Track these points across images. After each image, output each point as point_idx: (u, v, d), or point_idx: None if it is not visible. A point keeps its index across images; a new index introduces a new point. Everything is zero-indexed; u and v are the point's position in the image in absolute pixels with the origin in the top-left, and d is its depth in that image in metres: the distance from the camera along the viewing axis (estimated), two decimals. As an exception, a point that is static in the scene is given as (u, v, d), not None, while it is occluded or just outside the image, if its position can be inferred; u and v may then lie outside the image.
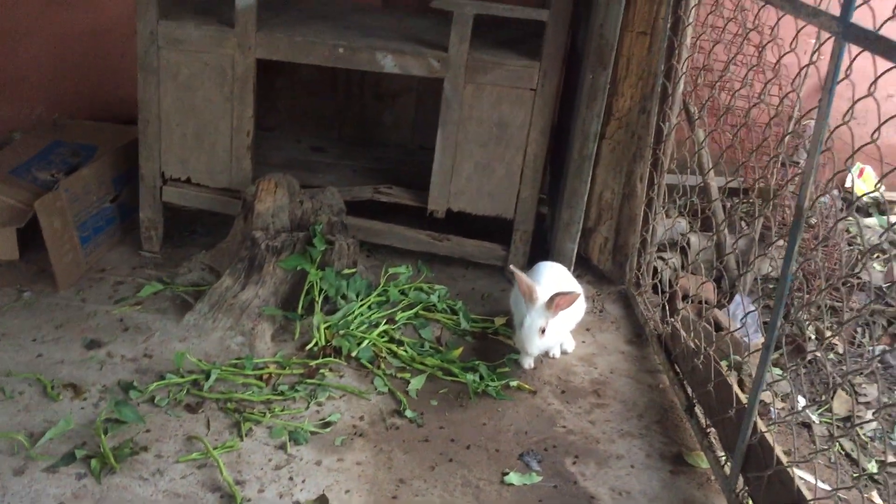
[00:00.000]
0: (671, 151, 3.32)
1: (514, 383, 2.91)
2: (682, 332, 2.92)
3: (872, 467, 2.71)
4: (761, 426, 2.28)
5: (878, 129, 1.76)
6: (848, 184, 4.25)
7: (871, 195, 4.08)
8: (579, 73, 3.27)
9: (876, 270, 3.87)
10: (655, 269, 3.52)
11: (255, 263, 3.06)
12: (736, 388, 2.45)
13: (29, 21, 4.01)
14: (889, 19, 1.78)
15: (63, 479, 2.33)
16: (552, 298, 2.78)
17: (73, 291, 3.21)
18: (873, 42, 1.75)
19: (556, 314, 2.82)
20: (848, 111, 1.89)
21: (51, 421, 2.53)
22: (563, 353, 3.13)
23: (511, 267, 3.00)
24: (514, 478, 2.49)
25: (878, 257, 3.94)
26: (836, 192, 3.87)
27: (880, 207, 4.19)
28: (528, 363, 3.00)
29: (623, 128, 3.28)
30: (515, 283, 2.92)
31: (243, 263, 3.08)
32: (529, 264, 3.52)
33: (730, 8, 3.07)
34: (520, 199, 3.40)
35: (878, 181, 2.01)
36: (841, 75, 1.91)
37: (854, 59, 1.85)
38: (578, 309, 3.08)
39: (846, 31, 1.85)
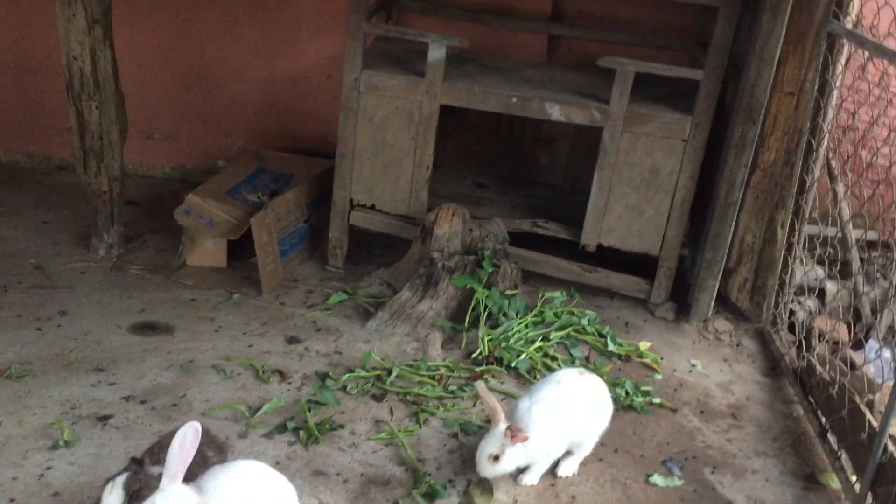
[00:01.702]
0: (812, 202, 3.59)
1: (656, 400, 3.23)
2: (818, 366, 3.17)
3: None
4: (891, 447, 2.53)
5: None
6: None
7: None
8: (726, 126, 3.61)
9: None
10: (791, 311, 3.76)
11: (431, 280, 3.52)
12: (868, 415, 2.70)
13: (238, 67, 4.68)
14: None
15: (277, 444, 2.82)
16: (510, 428, 2.56)
17: (273, 296, 3.75)
18: None
19: (516, 444, 2.57)
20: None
21: (264, 398, 3.03)
22: (560, 475, 2.79)
23: (478, 385, 2.76)
24: (658, 479, 2.81)
25: None
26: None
27: None
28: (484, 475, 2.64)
29: (767, 178, 3.58)
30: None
31: (421, 279, 3.55)
32: (671, 298, 3.85)
33: (874, 73, 3.35)
34: (666, 239, 3.74)
35: None
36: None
37: None
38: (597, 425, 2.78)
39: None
